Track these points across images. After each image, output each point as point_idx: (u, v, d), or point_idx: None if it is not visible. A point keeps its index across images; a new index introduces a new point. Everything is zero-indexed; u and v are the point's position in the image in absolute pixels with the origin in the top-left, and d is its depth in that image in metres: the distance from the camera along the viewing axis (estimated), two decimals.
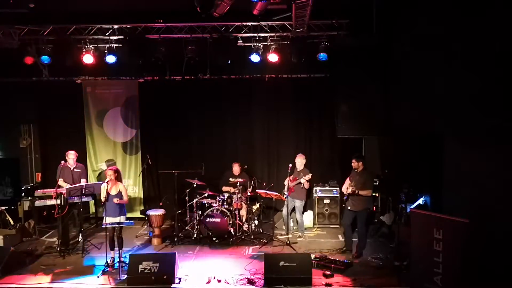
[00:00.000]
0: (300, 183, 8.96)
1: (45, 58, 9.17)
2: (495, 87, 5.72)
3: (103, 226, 7.64)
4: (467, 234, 5.94)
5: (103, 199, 7.72)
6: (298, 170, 9.10)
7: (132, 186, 10.69)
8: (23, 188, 10.11)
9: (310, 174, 8.86)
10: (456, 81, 6.55)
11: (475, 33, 6.10)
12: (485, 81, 5.96)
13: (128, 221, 7.91)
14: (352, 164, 8.20)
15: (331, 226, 9.92)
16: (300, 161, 9.16)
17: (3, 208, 9.43)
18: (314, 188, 9.94)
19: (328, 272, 7.27)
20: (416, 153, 8.65)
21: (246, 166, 9.96)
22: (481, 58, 5.98)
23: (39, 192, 9.46)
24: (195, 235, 9.03)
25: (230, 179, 9.60)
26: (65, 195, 8.37)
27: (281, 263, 7.04)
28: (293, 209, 9.31)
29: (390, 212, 9.39)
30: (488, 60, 5.82)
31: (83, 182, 9.13)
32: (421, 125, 7.53)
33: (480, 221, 5.97)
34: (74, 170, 9.23)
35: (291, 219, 9.49)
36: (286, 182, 9.22)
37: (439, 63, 6.90)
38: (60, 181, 8.97)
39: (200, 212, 9.11)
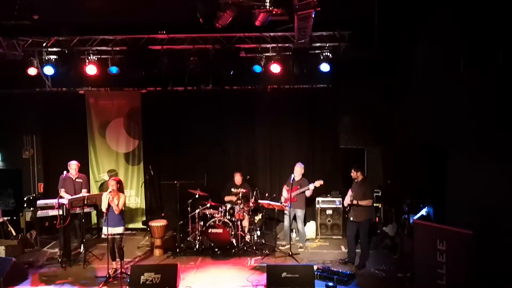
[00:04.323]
0: (302, 192, 8.98)
1: (49, 69, 9.22)
2: (498, 99, 5.72)
3: (103, 236, 7.64)
4: (471, 245, 5.91)
5: (104, 210, 7.71)
6: (296, 179, 9.09)
7: (134, 196, 10.70)
8: (25, 199, 10.13)
9: (322, 181, 8.87)
10: (459, 92, 6.56)
11: (477, 47, 6.12)
12: (488, 93, 5.96)
13: (127, 231, 7.88)
14: (351, 174, 8.24)
15: (334, 237, 9.88)
16: (299, 170, 9.17)
17: (5, 218, 9.43)
18: (317, 199, 9.91)
19: (330, 284, 7.22)
20: (419, 164, 8.63)
21: (248, 177, 9.95)
22: (484, 69, 5.99)
23: (41, 203, 9.46)
24: (197, 246, 8.99)
25: (232, 189, 9.58)
26: (67, 206, 8.37)
27: (284, 274, 7.01)
28: (294, 219, 9.29)
29: (393, 223, 9.34)
30: (492, 72, 5.83)
31: (84, 192, 9.13)
32: (424, 135, 7.52)
33: (484, 232, 5.94)
34: (76, 180, 9.23)
35: (293, 230, 9.47)
36: (284, 193, 9.22)
37: (441, 75, 6.92)
38: (62, 192, 8.97)
39: (202, 222, 9.08)
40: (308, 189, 8.99)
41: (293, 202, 8.96)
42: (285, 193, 9.28)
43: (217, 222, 8.84)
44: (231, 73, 9.26)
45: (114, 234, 7.60)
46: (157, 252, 8.93)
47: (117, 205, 7.65)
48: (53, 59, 9.20)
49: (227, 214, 9.02)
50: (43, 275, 7.92)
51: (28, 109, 10.67)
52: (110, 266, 7.68)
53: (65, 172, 9.05)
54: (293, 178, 8.92)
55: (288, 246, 8.87)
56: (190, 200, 9.13)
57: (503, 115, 5.62)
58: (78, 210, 8.63)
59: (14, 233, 9.35)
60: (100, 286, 7.40)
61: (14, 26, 8.06)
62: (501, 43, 5.53)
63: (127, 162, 10.70)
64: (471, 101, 6.30)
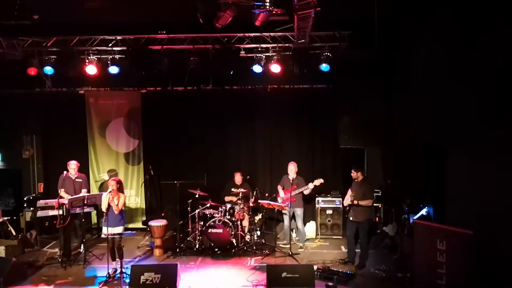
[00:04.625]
0: (301, 192, 9.01)
1: (48, 69, 9.22)
2: (498, 100, 5.72)
3: (103, 236, 7.64)
4: (471, 245, 5.91)
5: (104, 210, 7.71)
6: (292, 178, 9.10)
7: (134, 196, 10.69)
8: (25, 199, 10.13)
9: (322, 179, 8.89)
10: (459, 92, 6.56)
11: (477, 47, 6.12)
12: (488, 94, 5.96)
13: (127, 231, 7.89)
14: (352, 174, 8.24)
15: (334, 237, 9.88)
16: (293, 168, 9.18)
17: (5, 218, 9.42)
18: (317, 199, 9.91)
19: (330, 284, 7.22)
20: (419, 164, 8.64)
21: (248, 177, 9.95)
22: (484, 71, 5.99)
23: (41, 203, 9.45)
24: (197, 246, 8.99)
25: (232, 189, 9.58)
26: (67, 206, 8.37)
27: (284, 274, 7.01)
28: (293, 218, 9.30)
29: (393, 223, 9.35)
30: (492, 72, 5.83)
31: (84, 192, 9.13)
32: (424, 135, 7.53)
33: (483, 232, 5.94)
34: (76, 180, 9.23)
35: (293, 230, 9.47)
36: (281, 193, 9.22)
37: (441, 75, 6.92)
38: (62, 192, 8.97)
39: (202, 222, 9.08)
40: (308, 188, 9.00)
41: (291, 202, 8.97)
42: (281, 193, 9.29)
43: (217, 222, 8.84)
44: (231, 73, 9.26)
45: (114, 234, 7.60)
46: (157, 252, 8.93)
47: (117, 205, 7.65)
48: (53, 59, 9.19)
49: (227, 214, 9.02)
50: (43, 275, 7.91)
51: (28, 109, 10.67)
52: (110, 266, 7.68)
53: (65, 172, 9.05)
54: (292, 178, 8.93)
55: (288, 246, 8.87)
56: (190, 200, 9.12)
57: (503, 115, 5.62)
58: (78, 210, 8.62)
59: (14, 233, 9.35)
60: (100, 286, 7.41)
61: (14, 26, 8.05)
62: (501, 43, 5.53)
63: (127, 162, 10.70)
64: (471, 101, 6.31)
